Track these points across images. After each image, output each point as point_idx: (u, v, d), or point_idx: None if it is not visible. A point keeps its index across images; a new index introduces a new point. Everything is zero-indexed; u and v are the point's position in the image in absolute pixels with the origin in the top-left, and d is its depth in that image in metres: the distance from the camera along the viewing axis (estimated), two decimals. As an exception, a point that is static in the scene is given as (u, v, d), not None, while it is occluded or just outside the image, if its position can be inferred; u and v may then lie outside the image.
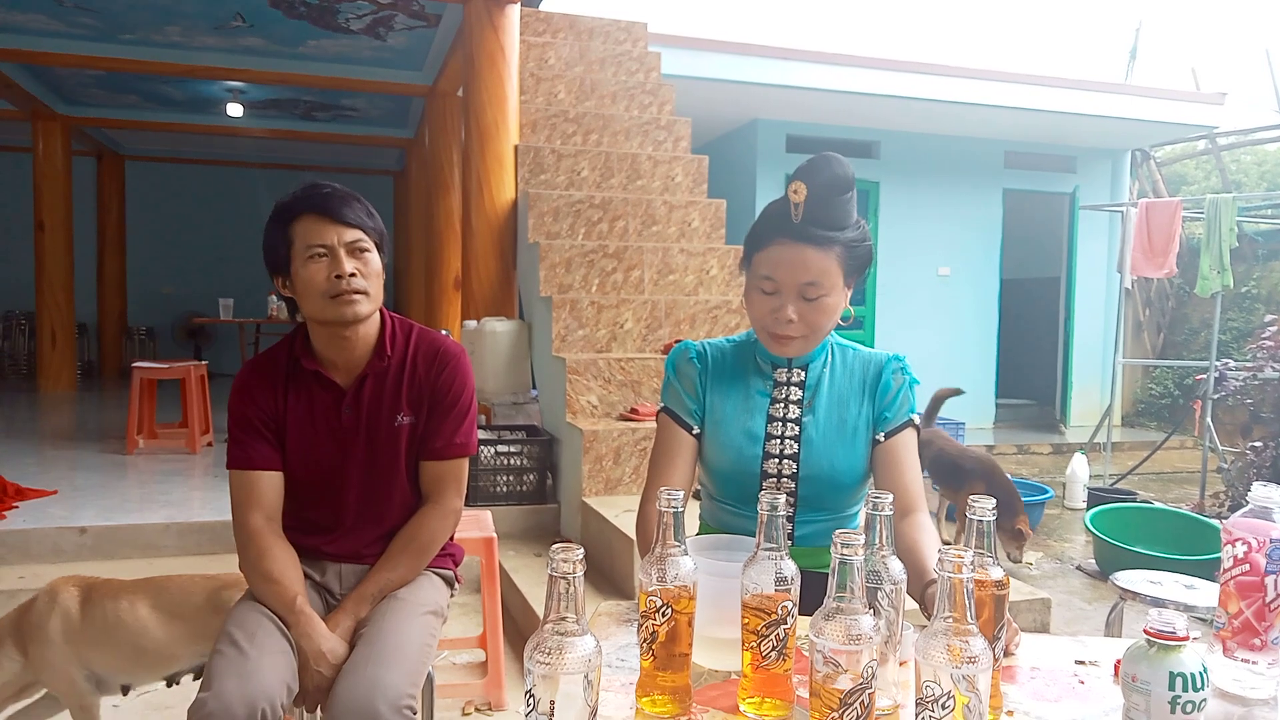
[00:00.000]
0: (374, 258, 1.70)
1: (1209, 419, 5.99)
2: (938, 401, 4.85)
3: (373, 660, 1.55)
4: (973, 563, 0.92)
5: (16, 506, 4.18)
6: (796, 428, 1.51)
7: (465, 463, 1.81)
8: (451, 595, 1.91)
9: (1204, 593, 2.50)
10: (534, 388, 5.10)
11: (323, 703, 1.60)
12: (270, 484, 1.71)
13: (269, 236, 1.70)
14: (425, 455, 1.77)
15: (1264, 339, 5.17)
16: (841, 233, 1.44)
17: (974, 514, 1.04)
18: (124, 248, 11.03)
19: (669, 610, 1.03)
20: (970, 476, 4.26)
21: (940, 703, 0.88)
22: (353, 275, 1.65)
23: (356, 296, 1.65)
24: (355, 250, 1.67)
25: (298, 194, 1.69)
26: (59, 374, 8.95)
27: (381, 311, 1.77)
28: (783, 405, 1.53)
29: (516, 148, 5.45)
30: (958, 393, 4.86)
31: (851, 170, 1.45)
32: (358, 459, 1.74)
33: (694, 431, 1.55)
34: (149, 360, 5.95)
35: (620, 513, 3.61)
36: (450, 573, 1.91)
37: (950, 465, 4.44)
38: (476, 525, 2.74)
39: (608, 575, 3.53)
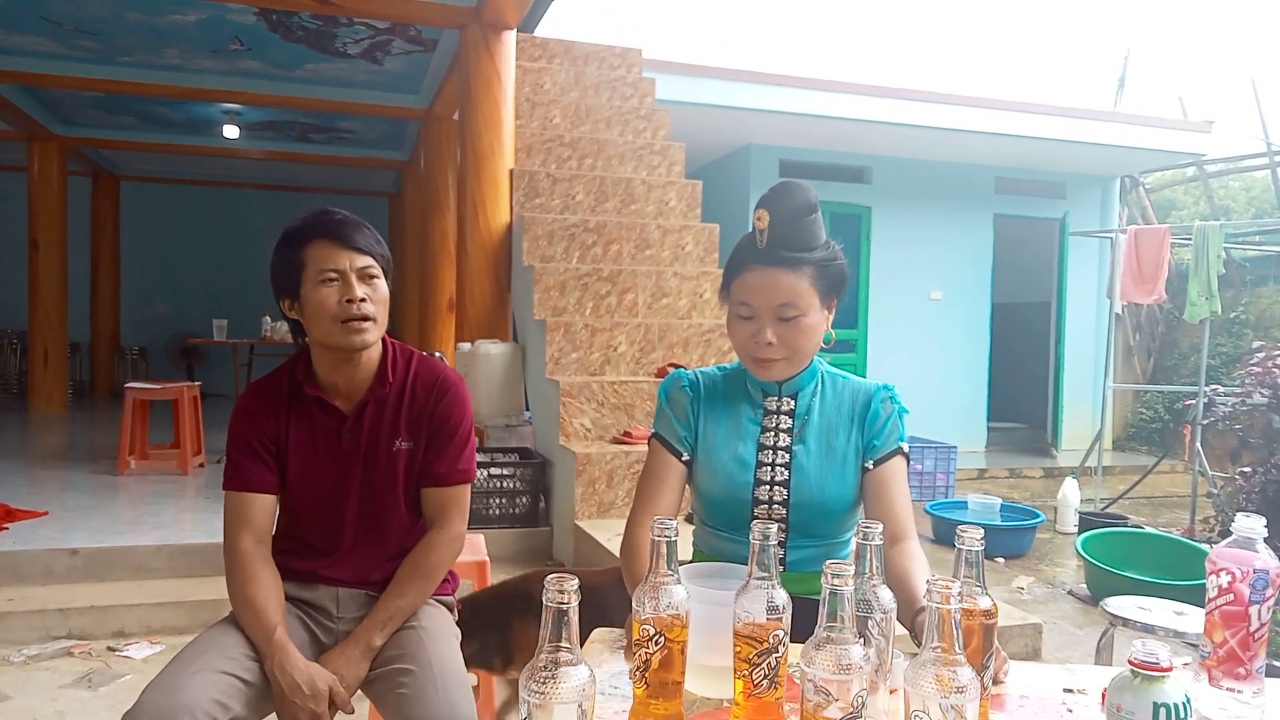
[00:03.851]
0: (382, 284, 1.74)
1: (1199, 444, 6.01)
2: None
3: (438, 684, 1.57)
4: (961, 592, 0.93)
5: (7, 528, 4.16)
6: (787, 455, 1.53)
7: (468, 489, 1.84)
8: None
9: (1194, 619, 2.51)
10: (527, 410, 5.10)
11: None
12: (263, 507, 1.72)
13: (280, 259, 1.72)
14: (429, 482, 1.79)
15: (1252, 365, 5.19)
16: (810, 253, 1.47)
17: (962, 544, 1.06)
18: (118, 267, 11.04)
19: (662, 638, 1.04)
20: None
21: (929, 732, 0.89)
22: (363, 300, 1.68)
23: (365, 324, 1.69)
24: (365, 276, 1.70)
25: (310, 219, 1.72)
26: (51, 394, 8.93)
27: (384, 338, 1.79)
28: (773, 433, 1.55)
29: (512, 171, 5.49)
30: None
31: (814, 194, 1.49)
32: (356, 483, 1.76)
33: (683, 458, 1.57)
34: (141, 380, 5.94)
35: (613, 536, 3.61)
36: (451, 599, 1.93)
37: None
38: (469, 549, 2.74)
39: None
